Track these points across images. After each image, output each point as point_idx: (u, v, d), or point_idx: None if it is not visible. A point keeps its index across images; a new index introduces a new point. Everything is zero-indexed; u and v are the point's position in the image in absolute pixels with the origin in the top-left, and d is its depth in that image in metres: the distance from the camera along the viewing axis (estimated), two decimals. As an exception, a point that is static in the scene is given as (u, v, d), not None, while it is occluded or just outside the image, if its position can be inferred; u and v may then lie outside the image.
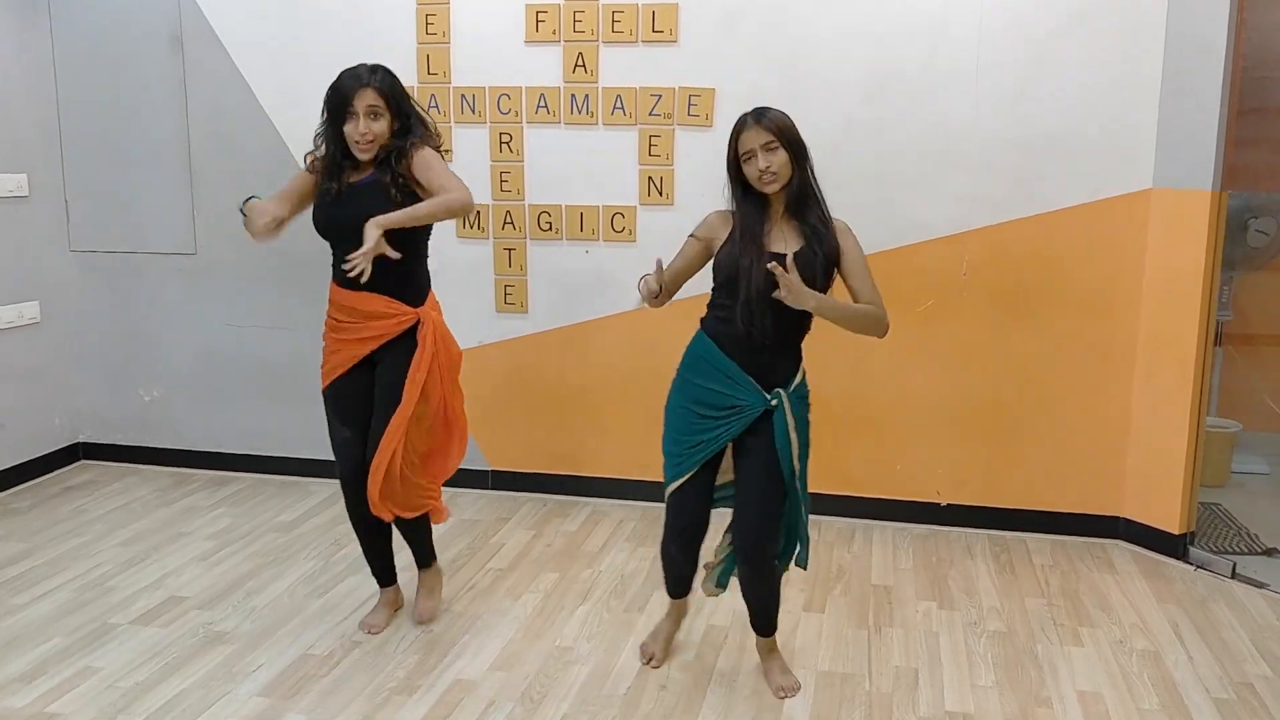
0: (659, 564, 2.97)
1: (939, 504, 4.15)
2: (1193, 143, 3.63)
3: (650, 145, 4.14)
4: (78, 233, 4.71)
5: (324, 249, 3.90)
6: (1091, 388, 3.96)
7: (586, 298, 4.32)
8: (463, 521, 4.16)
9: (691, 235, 2.81)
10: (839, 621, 3.29)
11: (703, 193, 4.16)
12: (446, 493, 4.40)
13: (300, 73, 4.33)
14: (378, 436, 3.00)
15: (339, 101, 2.91)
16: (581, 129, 4.19)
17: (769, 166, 2.63)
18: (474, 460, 4.51)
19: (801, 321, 2.72)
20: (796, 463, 2.71)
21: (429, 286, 3.13)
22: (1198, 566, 3.79)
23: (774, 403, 2.70)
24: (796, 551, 2.86)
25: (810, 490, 2.82)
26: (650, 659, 3.00)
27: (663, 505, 2.86)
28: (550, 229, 4.29)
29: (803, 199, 2.69)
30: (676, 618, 3.06)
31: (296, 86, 4.34)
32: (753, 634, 2.92)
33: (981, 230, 3.94)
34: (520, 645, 3.12)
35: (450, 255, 4.37)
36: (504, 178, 4.28)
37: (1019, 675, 2.96)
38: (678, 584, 2.97)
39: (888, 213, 3.98)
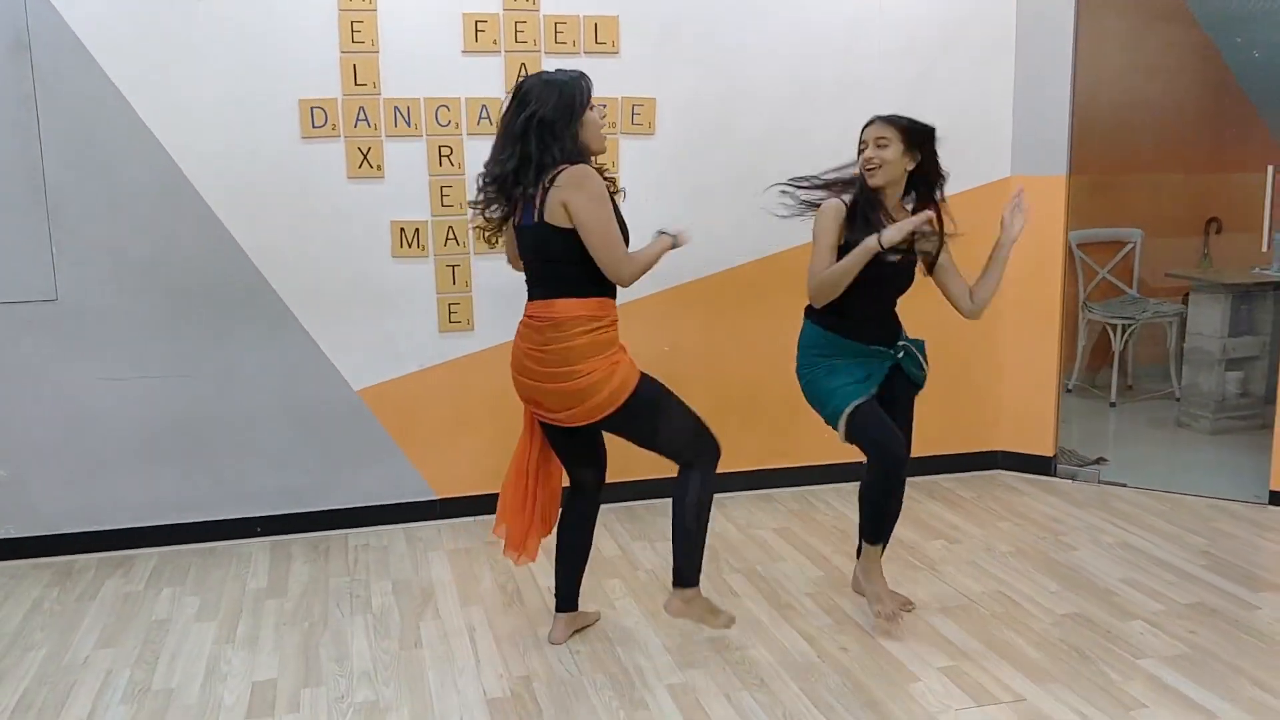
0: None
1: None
2: (1046, 137, 4.52)
3: (597, 154, 4.22)
4: (-127, 285, 3.72)
5: (236, 282, 3.97)
6: (969, 346, 4.72)
7: (536, 309, 4.29)
8: (458, 551, 3.95)
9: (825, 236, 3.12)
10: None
11: (646, 197, 4.33)
12: (396, 529, 4.17)
13: (197, 85, 3.83)
14: None
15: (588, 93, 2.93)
16: (526, 139, 4.15)
17: (871, 158, 3.03)
18: (420, 491, 4.28)
19: (897, 296, 3.21)
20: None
21: None
22: (1074, 479, 4.71)
23: (899, 354, 3.16)
24: None
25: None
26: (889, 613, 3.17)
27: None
28: (497, 243, 4.19)
29: (919, 194, 3.11)
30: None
31: (191, 101, 3.84)
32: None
33: (889, 219, 4.54)
34: (673, 638, 3.16)
35: (384, 275, 4.12)
36: (444, 192, 4.12)
37: (1079, 583, 3.58)
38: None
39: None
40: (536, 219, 2.89)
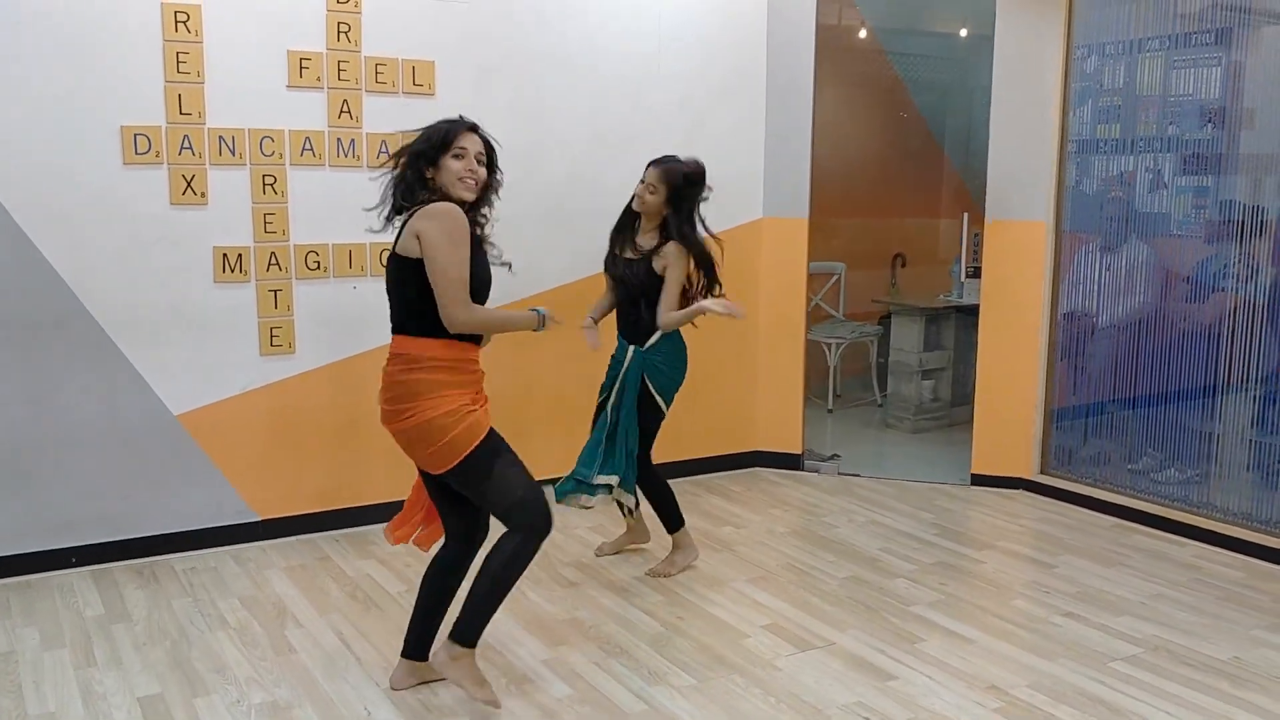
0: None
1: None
2: (791, 185, 5.34)
3: (415, 187, 4.52)
4: None
5: (51, 308, 3.94)
6: (730, 361, 5.45)
7: (356, 332, 4.51)
8: (293, 568, 4.10)
9: None
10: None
11: (459, 229, 4.70)
12: (220, 552, 4.25)
13: (8, 106, 3.78)
14: None
15: (443, 138, 2.88)
16: (347, 171, 4.39)
17: (641, 195, 3.86)
18: (241, 514, 4.37)
19: (640, 304, 3.86)
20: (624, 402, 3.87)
21: None
22: (819, 472, 5.55)
23: (629, 356, 3.87)
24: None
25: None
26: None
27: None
28: (318, 268, 4.40)
29: (665, 226, 3.86)
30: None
31: (2, 122, 3.77)
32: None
33: (668, 251, 5.17)
34: (532, 625, 3.54)
35: (206, 300, 4.20)
36: (268, 219, 4.26)
37: (848, 553, 4.33)
38: None
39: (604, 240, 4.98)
40: (393, 249, 2.93)
